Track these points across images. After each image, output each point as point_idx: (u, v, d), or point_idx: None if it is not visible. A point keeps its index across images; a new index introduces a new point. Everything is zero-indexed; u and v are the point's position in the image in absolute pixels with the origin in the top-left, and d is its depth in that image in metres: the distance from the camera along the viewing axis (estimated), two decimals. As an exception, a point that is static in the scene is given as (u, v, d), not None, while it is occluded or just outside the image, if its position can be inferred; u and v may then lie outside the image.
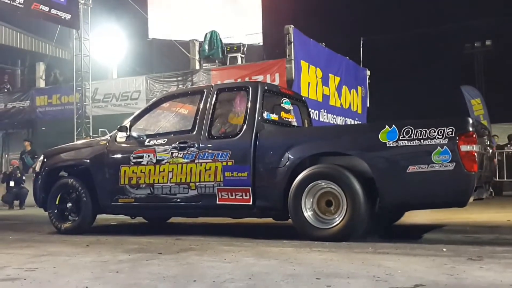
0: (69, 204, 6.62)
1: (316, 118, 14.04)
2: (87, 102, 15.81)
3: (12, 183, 13.66)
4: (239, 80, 12.66)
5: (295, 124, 6.50)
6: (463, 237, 5.22)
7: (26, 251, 4.90)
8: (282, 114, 6.26)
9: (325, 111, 14.51)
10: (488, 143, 5.50)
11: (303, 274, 3.35)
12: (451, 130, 4.73)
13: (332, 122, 14.74)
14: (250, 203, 5.51)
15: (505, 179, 12.46)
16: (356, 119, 16.33)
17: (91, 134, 14.64)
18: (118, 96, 16.10)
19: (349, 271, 3.42)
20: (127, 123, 6.38)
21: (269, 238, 5.20)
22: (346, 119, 15.62)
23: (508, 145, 13.49)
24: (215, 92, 6.04)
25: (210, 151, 5.74)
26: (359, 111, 16.76)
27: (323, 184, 5.19)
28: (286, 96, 6.42)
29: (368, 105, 17.28)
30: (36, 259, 4.36)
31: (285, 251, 4.43)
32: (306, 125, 6.78)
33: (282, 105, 6.28)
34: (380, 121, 5.29)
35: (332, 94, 14.84)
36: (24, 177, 13.69)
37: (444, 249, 4.27)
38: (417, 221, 6.00)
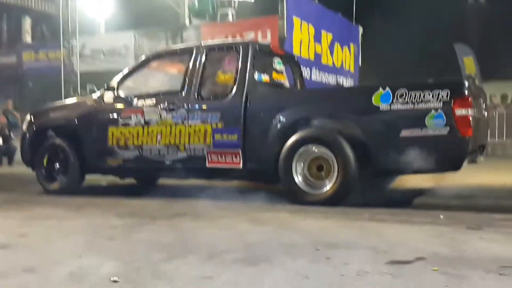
0: (56, 165, 6.51)
1: (308, 77, 13.86)
2: (74, 58, 15.46)
3: (0, 140, 13.47)
4: (229, 37, 12.40)
5: (287, 85, 6.36)
6: (460, 202, 5.17)
7: (16, 213, 4.81)
8: (274, 74, 6.12)
9: (317, 69, 14.31)
10: (484, 105, 5.41)
11: (301, 244, 3.29)
12: (446, 93, 4.63)
13: (324, 81, 14.58)
14: (240, 166, 5.43)
15: (496, 140, 12.44)
16: (348, 77, 16.15)
17: (79, 90, 14.39)
18: (106, 52, 15.79)
19: (348, 240, 3.37)
20: (114, 82, 6.22)
21: (262, 202, 5.13)
22: (338, 77, 15.44)
23: (500, 105, 13.42)
24: (205, 52, 5.87)
25: (199, 112, 5.62)
26: (352, 69, 16.57)
27: (314, 148, 5.10)
28: (278, 56, 6.26)
29: (360, 64, 17.07)
30: (27, 223, 4.29)
31: (280, 217, 4.39)
32: (299, 86, 6.64)
33: (273, 65, 6.13)
34: (373, 83, 5.17)
35: (324, 52, 14.61)
36: (12, 135, 13.49)
37: (442, 216, 4.24)
38: (411, 184, 5.95)
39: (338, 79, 15.41)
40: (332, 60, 15.27)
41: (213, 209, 4.85)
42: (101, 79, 13.82)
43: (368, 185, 5.21)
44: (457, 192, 5.57)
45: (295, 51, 12.82)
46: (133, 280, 2.56)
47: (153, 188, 5.78)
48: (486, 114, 5.51)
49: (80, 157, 6.32)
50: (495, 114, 12.61)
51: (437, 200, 5.31)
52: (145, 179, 7.17)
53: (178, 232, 3.78)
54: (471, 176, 6.69)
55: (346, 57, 16.42)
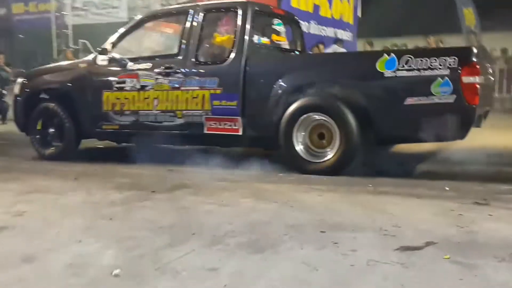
0: (51, 130, 6.37)
1: (306, 30, 13.55)
2: (65, 10, 15.03)
3: (-8, 97, 13.22)
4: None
5: (287, 47, 6.15)
6: (463, 170, 5.08)
7: (12, 185, 4.68)
8: (274, 36, 5.92)
9: (316, 22, 13.98)
10: (490, 70, 5.26)
11: (306, 225, 3.20)
12: (453, 60, 4.47)
13: (322, 34, 14.27)
14: (240, 133, 5.31)
15: (497, 95, 12.28)
16: (347, 30, 15.81)
17: (71, 45, 14.07)
18: (98, 4, 15.36)
19: (353, 220, 3.28)
20: (108, 44, 6.01)
21: (263, 171, 5.03)
22: (337, 30, 15.11)
23: (500, 59, 13.19)
24: (202, 13, 5.64)
25: (197, 77, 5.45)
26: (351, 21, 16.19)
27: (315, 116, 4.97)
28: (278, 16, 6.04)
29: (359, 16, 16.68)
30: (23, 197, 4.17)
31: (282, 190, 4.29)
32: (299, 47, 6.44)
33: (273, 26, 5.93)
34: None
35: (323, 3, 14.24)
36: (4, 91, 13.23)
37: (447, 188, 4.16)
38: (412, 149, 5.84)
39: (336, 33, 15.09)
40: (331, 12, 14.91)
41: (213, 180, 4.75)
42: (94, 33, 13.58)
43: (370, 151, 5.09)
44: (459, 157, 5.46)
45: (293, 4, 12.48)
46: (135, 274, 2.47)
47: (150, 152, 5.64)
48: (492, 78, 5.36)
49: (75, 122, 6.18)
50: (496, 69, 12.40)
51: (439, 167, 5.23)
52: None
53: (179, 210, 3.68)
54: (471, 137, 6.57)
55: (345, 8, 16.02)
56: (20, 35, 16.91)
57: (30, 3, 16.43)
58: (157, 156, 5.67)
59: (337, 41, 12.40)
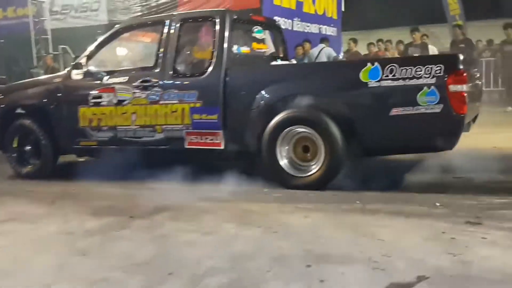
0: (28, 147, 6.15)
1: (290, 28, 13.36)
2: (44, 15, 14.67)
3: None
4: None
5: (269, 54, 5.97)
6: (454, 180, 4.93)
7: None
8: (254, 45, 5.73)
9: (299, 19, 13.79)
10: (478, 74, 5.11)
11: (291, 257, 3.03)
12: (439, 68, 4.31)
13: (305, 31, 14.08)
14: (222, 147, 5.13)
15: (483, 89, 12.16)
16: (331, 25, 15.63)
17: (51, 51, 13.75)
18: (77, 7, 15.00)
19: (341, 249, 3.13)
20: (82, 58, 5.80)
21: (247, 187, 4.86)
22: (321, 26, 14.92)
23: (486, 51, 13.09)
24: (178, 23, 5.43)
25: (175, 91, 5.26)
26: (334, 16, 16.00)
27: (298, 129, 4.80)
28: (258, 23, 5.83)
29: (343, 9, 16.50)
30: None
31: (267, 211, 4.13)
32: (282, 54, 6.25)
33: (253, 34, 5.73)
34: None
35: (306, -1, 14.01)
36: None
37: (438, 204, 4.01)
38: (399, 157, 5.66)
39: (321, 29, 14.91)
40: (314, 8, 14.72)
41: (195, 199, 4.57)
42: (74, 37, 13.27)
43: (357, 163, 4.92)
44: (449, 163, 5.31)
45: (276, 1, 12.29)
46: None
47: (131, 168, 5.46)
48: (479, 83, 5.22)
49: (52, 139, 5.97)
50: (482, 62, 12.31)
51: (429, 176, 5.05)
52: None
53: (157, 240, 3.51)
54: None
55: (329, 3, 15.83)
56: (1, 40, 16.54)
57: (8, 8, 16.03)
58: (138, 173, 5.48)
59: (323, 39, 12.14)
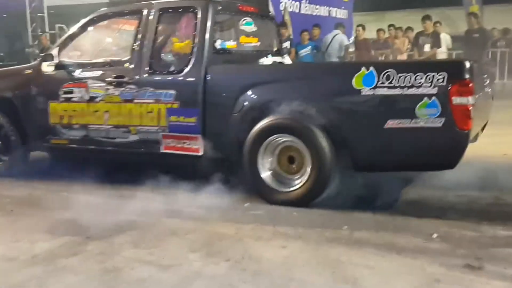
0: (-3, 143, 5.72)
1: (297, 11, 12.76)
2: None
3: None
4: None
5: (260, 49, 5.43)
6: (455, 198, 4.39)
7: None
8: (243, 39, 5.21)
9: (307, 1, 13.16)
10: (488, 81, 4.56)
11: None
12: (442, 77, 3.77)
13: (314, 14, 13.46)
14: (200, 154, 4.65)
15: (497, 80, 11.50)
16: (342, 8, 14.94)
17: (47, 30, 13.26)
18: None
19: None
20: (54, 49, 5.32)
21: (226, 199, 4.40)
22: (331, 9, 14.27)
23: (501, 40, 12.36)
24: (157, 13, 4.91)
25: (151, 89, 4.77)
26: (346, -3, 15.27)
27: (283, 138, 4.30)
28: (248, 14, 5.28)
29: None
30: None
31: (241, 235, 3.66)
32: (275, 48, 5.70)
33: (242, 27, 5.20)
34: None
35: (315, -22, 13.38)
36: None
37: (435, 235, 3.51)
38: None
39: (330, 12, 14.27)
40: (325, -12, 14.02)
41: (165, 215, 4.12)
42: (72, 15, 12.73)
43: (346, 177, 4.41)
44: (451, 176, 4.71)
45: (282, -18, 11.73)
46: None
47: (104, 171, 5.02)
48: (490, 90, 4.66)
49: (22, 135, 5.52)
50: (497, 53, 11.62)
51: (427, 194, 4.53)
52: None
53: (107, 275, 3.05)
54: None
55: (340, -18, 15.15)
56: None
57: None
58: (112, 176, 5.04)
59: (338, 25, 11.45)
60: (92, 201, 4.58)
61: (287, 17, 11.91)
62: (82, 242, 3.61)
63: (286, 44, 10.22)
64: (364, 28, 11.59)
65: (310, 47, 10.66)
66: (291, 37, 11.05)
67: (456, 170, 4.08)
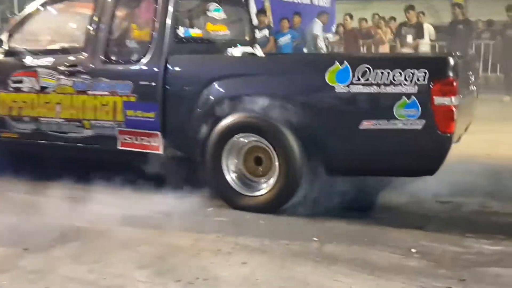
0: None
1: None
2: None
3: None
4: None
5: (229, 38, 5.01)
6: (437, 205, 4.06)
7: None
8: (209, 26, 4.79)
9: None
10: (472, 78, 4.21)
11: None
12: (423, 74, 3.41)
13: (296, 1, 13.00)
14: (160, 152, 4.25)
15: (480, 73, 11.22)
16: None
17: (16, 11, 12.63)
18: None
19: None
20: (3, 34, 4.86)
21: (188, 202, 4.02)
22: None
23: (485, 32, 12.07)
24: (114, -4, 4.47)
25: (106, 80, 4.35)
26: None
27: (249, 138, 3.92)
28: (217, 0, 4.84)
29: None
30: None
31: (199, 249, 3.27)
32: (248, 38, 5.29)
33: (209, 13, 4.76)
34: (328, 54, 3.90)
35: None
36: None
37: (414, 250, 3.16)
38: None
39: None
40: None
41: (117, 221, 3.71)
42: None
43: (318, 181, 4.04)
44: (433, 179, 4.34)
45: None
46: None
47: (59, 166, 4.62)
48: (474, 89, 4.31)
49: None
50: (481, 45, 11.32)
51: (408, 198, 4.17)
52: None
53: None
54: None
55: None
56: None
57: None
58: (64, 174, 4.61)
59: (321, 13, 11.04)
60: (40, 203, 4.15)
61: (267, 4, 11.46)
62: (17, 255, 3.19)
63: (265, 32, 9.84)
64: (351, 17, 11.20)
65: (289, 35, 10.21)
66: (271, 24, 10.62)
67: (438, 172, 3.73)
